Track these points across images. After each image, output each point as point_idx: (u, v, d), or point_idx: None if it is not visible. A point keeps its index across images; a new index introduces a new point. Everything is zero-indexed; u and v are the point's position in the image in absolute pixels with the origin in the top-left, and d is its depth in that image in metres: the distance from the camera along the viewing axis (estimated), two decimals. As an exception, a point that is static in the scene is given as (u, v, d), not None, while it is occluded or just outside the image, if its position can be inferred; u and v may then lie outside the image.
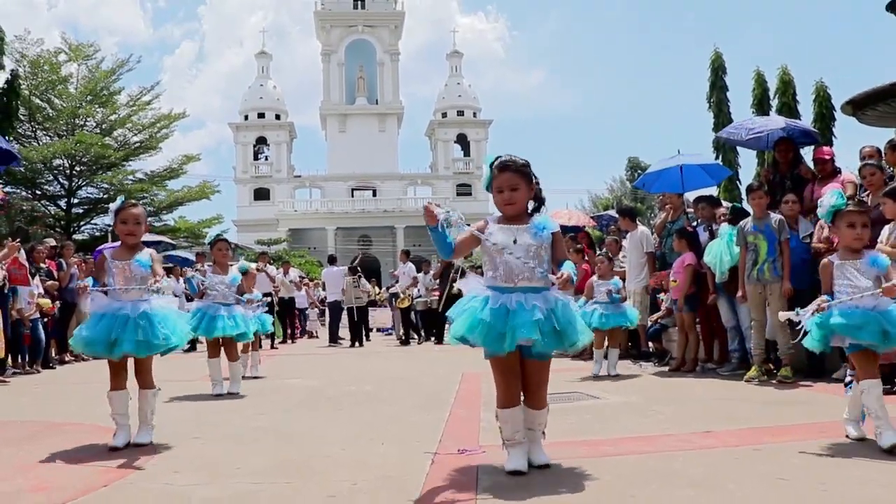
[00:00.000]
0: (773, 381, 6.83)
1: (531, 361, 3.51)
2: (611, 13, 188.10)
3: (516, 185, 3.55)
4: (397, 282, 19.72)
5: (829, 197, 4.28)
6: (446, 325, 16.66)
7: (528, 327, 3.29)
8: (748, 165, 27.93)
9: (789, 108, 26.42)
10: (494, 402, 3.61)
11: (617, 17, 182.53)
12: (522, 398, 3.57)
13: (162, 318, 4.50)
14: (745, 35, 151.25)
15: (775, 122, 9.20)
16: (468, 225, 3.50)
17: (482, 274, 3.73)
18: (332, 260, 19.20)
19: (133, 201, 4.87)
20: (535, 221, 3.57)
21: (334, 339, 17.62)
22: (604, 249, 10.14)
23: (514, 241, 3.49)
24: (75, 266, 12.27)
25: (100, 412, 4.74)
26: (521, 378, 3.54)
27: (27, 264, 10.40)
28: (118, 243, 4.79)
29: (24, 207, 27.87)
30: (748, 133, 8.89)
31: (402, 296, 16.75)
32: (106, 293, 4.53)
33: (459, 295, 3.71)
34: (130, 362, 4.56)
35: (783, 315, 4.17)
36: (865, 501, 2.88)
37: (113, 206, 4.73)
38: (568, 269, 3.46)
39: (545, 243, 3.54)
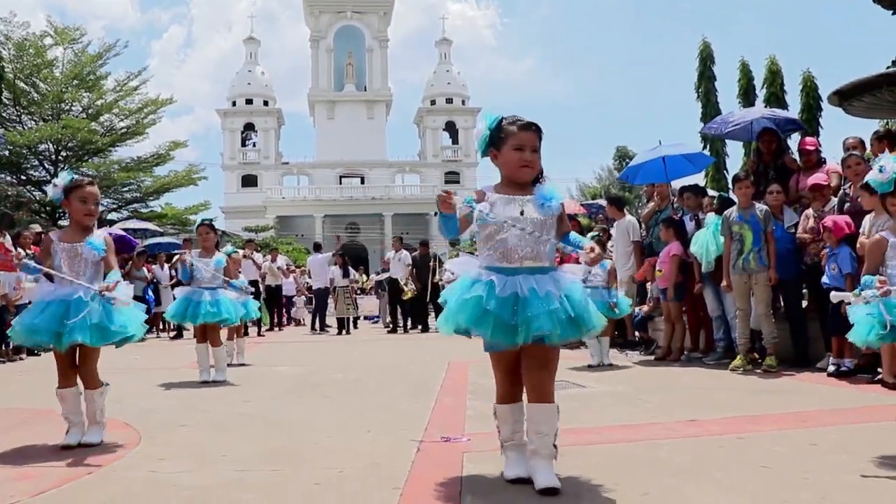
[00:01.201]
0: (758, 371, 6.88)
1: (538, 347, 2.96)
2: (603, 1, 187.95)
3: (537, 147, 3.14)
4: (384, 270, 19.73)
5: (893, 162, 3.70)
6: (432, 314, 16.72)
7: (544, 319, 2.87)
8: (735, 154, 27.98)
9: (777, 98, 26.47)
10: (482, 391, 3.61)
11: (609, 6, 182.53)
12: (528, 397, 3.07)
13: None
14: (735, 25, 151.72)
15: (754, 112, 9.25)
16: (474, 208, 3.01)
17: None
18: (317, 247, 19.31)
19: (89, 178, 4.35)
20: (540, 191, 3.12)
21: (322, 326, 17.64)
22: (595, 233, 10.07)
23: (522, 213, 3.06)
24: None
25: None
26: (522, 369, 3.08)
27: (14, 249, 10.31)
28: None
29: (9, 193, 27.68)
30: (727, 126, 8.94)
31: (405, 289, 16.43)
32: (51, 279, 4.15)
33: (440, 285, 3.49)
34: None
35: (837, 296, 3.54)
36: (848, 489, 2.90)
37: (61, 181, 4.19)
38: (584, 241, 3.19)
39: (553, 216, 3.14)
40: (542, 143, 3.18)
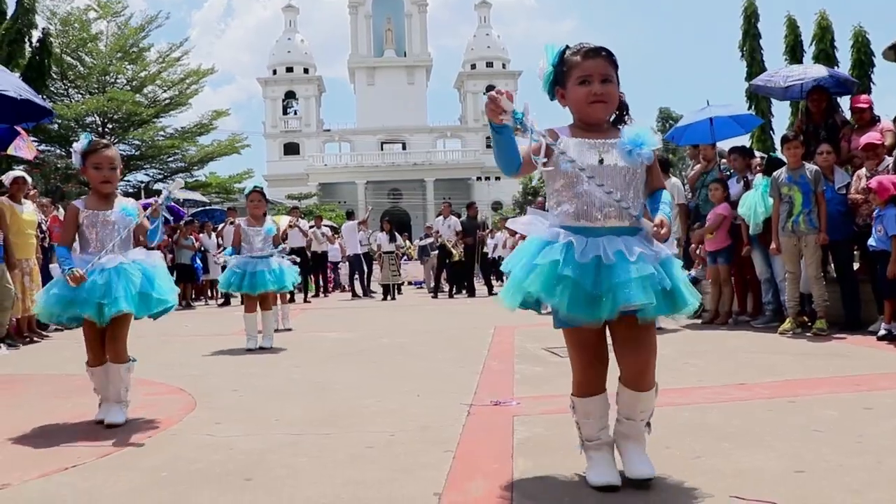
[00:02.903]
0: (808, 334, 6.79)
1: (630, 325, 2.46)
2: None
3: (609, 76, 2.54)
4: (426, 235, 19.80)
5: None
6: (484, 278, 16.75)
7: (634, 287, 2.34)
8: (781, 115, 27.42)
9: (827, 55, 25.70)
10: (529, 356, 3.60)
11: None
12: (621, 378, 2.57)
13: (159, 272, 3.93)
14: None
15: (817, 70, 8.94)
16: (543, 136, 2.40)
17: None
18: (349, 215, 19.54)
19: (105, 141, 4.05)
20: (627, 134, 2.54)
21: (365, 291, 17.76)
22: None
23: (601, 162, 2.50)
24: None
25: (143, 367, 4.76)
26: (607, 351, 2.58)
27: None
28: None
29: (59, 165, 28.26)
30: (786, 80, 8.66)
31: (454, 252, 16.43)
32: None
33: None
34: None
35: None
36: (902, 453, 2.87)
37: (78, 146, 3.89)
38: (663, 213, 2.54)
39: (642, 165, 2.56)
40: (618, 72, 2.59)
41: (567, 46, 2.58)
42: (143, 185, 30.43)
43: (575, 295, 2.36)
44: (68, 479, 2.88)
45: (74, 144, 3.94)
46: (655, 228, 2.45)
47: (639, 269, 2.36)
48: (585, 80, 2.52)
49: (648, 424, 2.62)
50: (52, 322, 4.92)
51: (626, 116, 2.64)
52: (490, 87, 2.35)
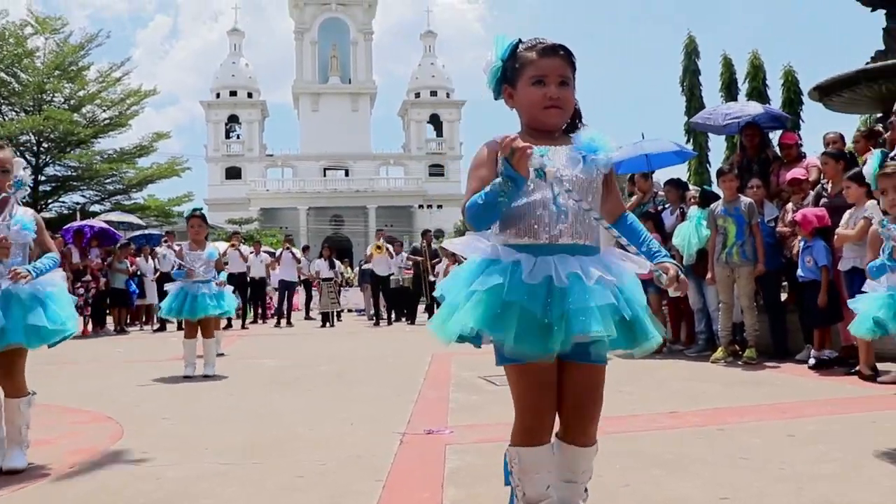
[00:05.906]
0: (739, 363, 6.94)
1: (580, 366, 2.14)
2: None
3: (567, 78, 2.21)
4: (367, 261, 19.74)
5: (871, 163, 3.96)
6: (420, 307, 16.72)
7: (590, 316, 1.98)
8: (717, 148, 28.30)
9: (759, 92, 26.65)
10: (465, 384, 3.59)
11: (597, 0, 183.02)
12: (559, 433, 2.23)
13: (54, 297, 3.49)
14: (719, 19, 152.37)
15: (753, 107, 9.24)
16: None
17: None
18: (287, 240, 19.39)
19: (1, 142, 3.60)
20: (581, 140, 2.18)
21: (289, 319, 17.24)
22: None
23: (556, 171, 2.08)
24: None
25: (69, 394, 4.67)
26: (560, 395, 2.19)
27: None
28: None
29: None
30: (725, 118, 8.91)
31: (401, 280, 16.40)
32: None
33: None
34: None
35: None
36: (823, 480, 2.95)
37: None
38: (668, 260, 2.19)
39: (599, 175, 2.20)
40: (576, 74, 2.25)
41: (520, 40, 2.24)
42: (80, 206, 29.73)
43: (523, 325, 1.99)
44: (-16, 511, 2.78)
45: None
46: (671, 282, 2.10)
47: (594, 295, 2.01)
48: (540, 80, 2.18)
49: (586, 489, 2.28)
50: None
51: (579, 124, 2.28)
52: (505, 143, 1.99)
